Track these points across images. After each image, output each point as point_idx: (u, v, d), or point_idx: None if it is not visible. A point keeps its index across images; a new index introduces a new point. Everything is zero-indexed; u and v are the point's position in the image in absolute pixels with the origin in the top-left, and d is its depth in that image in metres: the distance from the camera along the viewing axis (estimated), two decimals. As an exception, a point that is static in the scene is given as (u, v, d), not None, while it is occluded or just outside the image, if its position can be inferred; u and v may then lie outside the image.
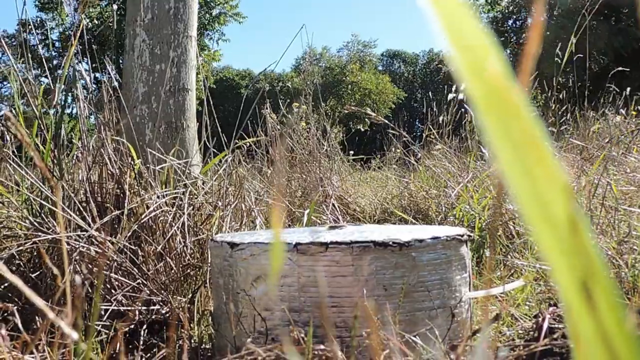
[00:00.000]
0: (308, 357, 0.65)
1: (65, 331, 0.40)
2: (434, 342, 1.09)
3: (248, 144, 3.26)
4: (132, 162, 1.89)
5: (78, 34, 1.99)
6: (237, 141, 2.36)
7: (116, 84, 2.04)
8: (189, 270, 1.76)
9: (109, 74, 2.02)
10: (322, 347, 0.76)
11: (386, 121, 3.56)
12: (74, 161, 2.06)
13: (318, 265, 1.15)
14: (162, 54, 2.10)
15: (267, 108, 3.56)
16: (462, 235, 1.27)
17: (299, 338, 0.76)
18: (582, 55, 3.70)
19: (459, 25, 0.20)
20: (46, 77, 2.03)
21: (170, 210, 1.83)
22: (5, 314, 1.45)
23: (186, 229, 1.75)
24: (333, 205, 2.99)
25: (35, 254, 1.72)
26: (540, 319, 0.81)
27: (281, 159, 3.05)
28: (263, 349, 0.72)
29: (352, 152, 5.06)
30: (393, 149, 4.69)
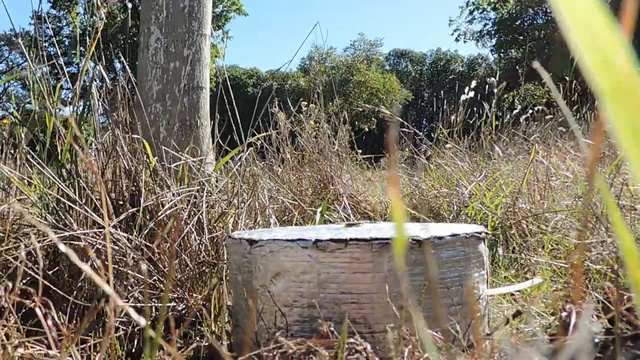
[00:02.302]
0: (342, 349, 0.65)
1: (133, 317, 0.41)
2: (455, 338, 1.10)
3: (259, 143, 3.27)
4: (148, 160, 1.90)
5: (98, 32, 2.00)
6: (248, 138, 2.37)
7: (124, 82, 2.05)
8: (204, 268, 1.76)
9: (123, 71, 2.03)
10: (352, 340, 0.76)
11: (400, 119, 3.56)
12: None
13: (337, 261, 1.16)
14: (176, 52, 2.11)
15: (275, 106, 3.56)
16: (480, 233, 1.27)
17: (328, 332, 0.77)
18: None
19: (588, 20, 0.20)
20: (56, 76, 2.03)
21: (185, 208, 1.83)
22: (24, 310, 1.46)
23: (203, 227, 1.76)
24: (344, 204, 2.99)
25: (51, 251, 1.73)
26: (564, 314, 0.81)
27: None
28: (293, 342, 0.72)
29: (360, 150, 5.05)
30: (403, 148, 4.68)
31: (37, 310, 0.49)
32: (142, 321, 0.40)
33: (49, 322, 0.48)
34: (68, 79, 2.13)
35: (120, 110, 2.00)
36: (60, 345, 0.73)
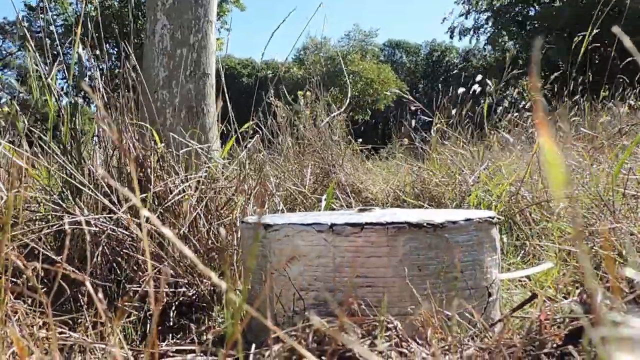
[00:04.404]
0: (382, 324, 0.66)
1: (214, 281, 0.41)
2: (471, 320, 1.11)
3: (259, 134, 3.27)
4: (155, 146, 1.90)
5: (97, 19, 2.00)
6: (250, 124, 2.38)
7: (117, 70, 2.04)
8: (213, 254, 1.77)
9: (126, 57, 2.02)
10: (382, 318, 0.77)
11: (416, 102, 3.57)
12: (92, 147, 2.07)
13: (353, 245, 1.17)
14: (182, 39, 2.11)
15: (272, 95, 3.56)
16: (492, 218, 1.28)
17: (358, 311, 0.78)
18: (598, 45, 3.70)
19: None
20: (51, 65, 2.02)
21: (193, 194, 1.84)
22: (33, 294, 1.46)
23: (211, 213, 1.77)
24: (347, 192, 3.01)
25: (61, 236, 1.73)
26: (584, 296, 0.83)
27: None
28: (325, 320, 0.73)
29: (359, 140, 5.06)
30: (403, 138, 4.70)
31: (88, 284, 0.49)
32: (224, 285, 0.41)
33: (100, 295, 0.49)
34: (65, 68, 2.13)
35: (124, 96, 2.00)
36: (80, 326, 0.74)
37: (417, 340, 0.91)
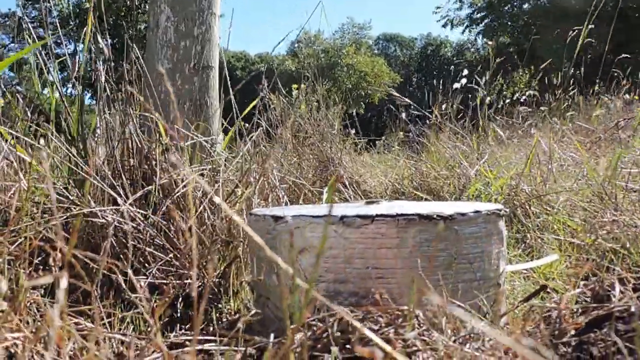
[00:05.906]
0: (410, 313, 0.67)
1: (284, 269, 0.42)
2: (481, 311, 1.13)
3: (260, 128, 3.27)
4: (160, 139, 1.90)
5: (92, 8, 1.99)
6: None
7: (110, 61, 2.03)
8: (219, 246, 1.78)
9: (130, 49, 2.01)
10: (404, 307, 0.79)
11: (404, 98, 3.58)
12: (95, 139, 2.07)
13: (363, 237, 1.18)
14: (186, 31, 2.11)
15: (266, 89, 3.56)
16: (500, 210, 1.30)
17: (381, 300, 0.79)
18: (592, 41, 3.73)
19: None
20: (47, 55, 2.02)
21: (198, 187, 1.85)
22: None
23: (219, 205, 1.77)
24: (345, 184, 3.02)
25: (67, 228, 1.73)
26: (597, 287, 0.84)
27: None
28: (348, 308, 0.74)
29: (353, 131, 5.07)
30: (399, 131, 4.72)
31: (130, 273, 0.50)
32: (290, 271, 0.42)
33: (142, 282, 0.50)
34: (68, 58, 2.12)
35: (127, 88, 2.00)
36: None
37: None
